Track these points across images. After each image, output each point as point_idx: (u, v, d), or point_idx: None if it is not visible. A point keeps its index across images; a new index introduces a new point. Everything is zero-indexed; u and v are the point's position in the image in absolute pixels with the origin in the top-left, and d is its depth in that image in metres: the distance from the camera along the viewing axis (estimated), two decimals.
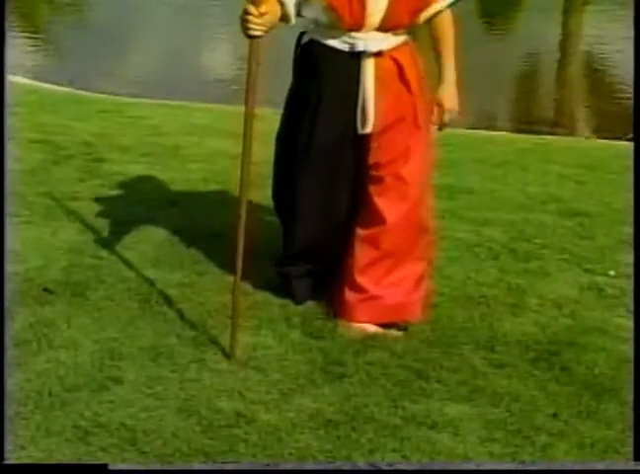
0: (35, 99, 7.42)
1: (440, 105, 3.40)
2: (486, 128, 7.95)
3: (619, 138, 7.46)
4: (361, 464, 2.66)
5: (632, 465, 2.73)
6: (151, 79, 9.87)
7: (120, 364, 3.10)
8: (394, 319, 3.45)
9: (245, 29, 2.97)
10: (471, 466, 2.69)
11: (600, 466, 2.73)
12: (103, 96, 8.16)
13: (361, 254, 3.40)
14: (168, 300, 3.56)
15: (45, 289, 3.61)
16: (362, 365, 3.18)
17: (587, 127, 8.74)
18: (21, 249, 3.97)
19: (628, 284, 3.96)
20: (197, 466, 2.63)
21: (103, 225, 4.29)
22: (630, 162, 6.29)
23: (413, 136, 3.35)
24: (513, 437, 2.80)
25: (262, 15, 2.96)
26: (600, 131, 8.18)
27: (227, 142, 5.99)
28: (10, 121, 5.58)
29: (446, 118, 3.42)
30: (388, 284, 3.42)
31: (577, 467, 2.73)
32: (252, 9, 2.95)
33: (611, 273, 4.09)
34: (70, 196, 4.73)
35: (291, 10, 3.19)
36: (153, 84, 9.51)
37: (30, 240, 4.08)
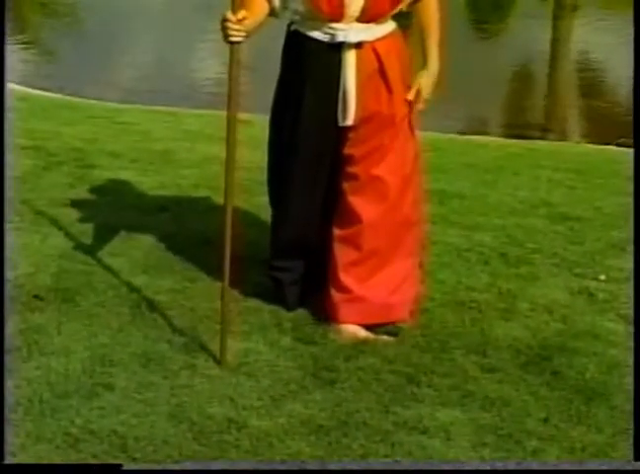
0: (25, 105, 7.40)
1: (418, 90, 3.38)
2: (477, 133, 7.96)
3: (609, 143, 7.48)
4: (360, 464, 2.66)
5: (632, 465, 2.74)
6: (142, 85, 9.85)
7: (110, 371, 3.10)
8: (381, 320, 3.44)
9: (224, 35, 2.99)
10: (466, 466, 2.69)
11: (599, 466, 2.74)
12: (93, 102, 8.15)
13: (343, 254, 3.40)
14: (159, 306, 3.56)
15: (36, 296, 3.60)
16: (354, 371, 3.18)
17: (577, 132, 8.77)
18: (11, 255, 3.95)
19: (619, 289, 3.97)
20: (213, 466, 2.64)
21: (93, 231, 4.28)
22: (620, 166, 6.33)
23: (389, 133, 3.32)
24: (504, 442, 2.80)
25: (240, 21, 2.97)
26: (591, 136, 8.20)
27: (218, 148, 5.95)
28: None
29: (419, 106, 3.41)
30: (374, 284, 3.41)
31: (577, 467, 2.73)
32: (230, 15, 2.97)
33: (602, 277, 4.09)
34: (60, 202, 4.72)
35: (277, 4, 3.21)
36: (144, 90, 9.50)
37: (20, 246, 4.07)
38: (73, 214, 4.52)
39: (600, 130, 8.46)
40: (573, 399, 3.06)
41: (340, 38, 3.21)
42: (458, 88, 9.60)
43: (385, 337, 3.42)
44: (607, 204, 5.20)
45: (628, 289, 3.96)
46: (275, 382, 3.09)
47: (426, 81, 3.40)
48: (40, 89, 8.64)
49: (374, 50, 3.25)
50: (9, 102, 6.86)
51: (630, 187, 5.56)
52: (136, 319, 3.46)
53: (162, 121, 7.19)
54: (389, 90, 3.30)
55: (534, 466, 2.72)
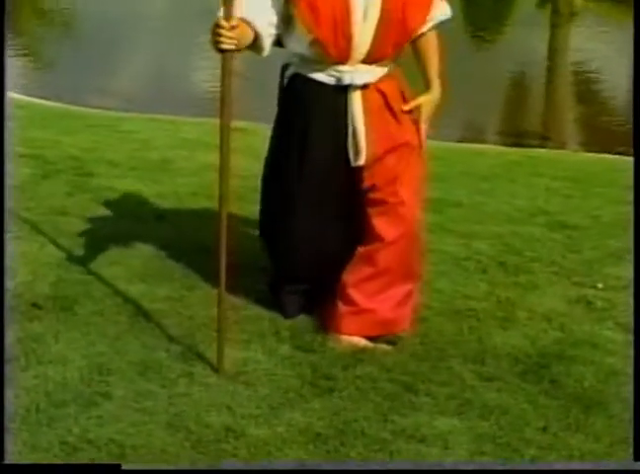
0: (23, 113, 7.40)
1: (420, 113, 3.42)
2: (474, 141, 7.97)
3: (607, 152, 7.49)
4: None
5: (632, 465, 2.73)
6: (140, 93, 9.86)
7: (108, 380, 3.09)
8: (382, 333, 3.45)
9: (216, 42, 2.94)
10: (466, 467, 2.68)
11: (600, 466, 2.74)
12: (92, 110, 8.15)
13: (357, 269, 3.41)
14: (156, 315, 3.55)
15: (34, 305, 3.60)
16: (352, 379, 3.17)
17: (575, 141, 8.78)
18: (9, 264, 3.95)
19: (617, 297, 3.97)
20: (211, 466, 2.64)
21: (91, 240, 4.28)
22: (618, 175, 6.33)
23: (406, 159, 3.36)
24: (502, 451, 2.80)
25: (233, 28, 2.92)
26: (588, 145, 8.21)
27: (217, 156, 5.97)
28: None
29: (422, 128, 3.44)
30: (380, 300, 3.43)
31: (577, 467, 2.73)
32: (223, 22, 2.92)
33: (600, 285, 4.09)
34: (59, 210, 4.72)
35: (266, 42, 3.18)
36: (142, 98, 9.51)
37: (18, 255, 4.07)
38: (71, 223, 4.52)
39: (597, 139, 8.47)
40: (571, 407, 3.05)
41: (347, 80, 3.24)
42: (456, 96, 9.60)
43: (384, 345, 3.42)
44: (605, 213, 5.20)
45: (626, 298, 3.96)
46: (273, 391, 3.08)
47: (428, 105, 3.43)
48: (39, 97, 8.65)
49: (378, 89, 3.29)
50: (8, 110, 6.87)
51: (628, 195, 5.57)
52: (134, 327, 3.45)
53: (161, 130, 7.20)
54: (398, 122, 3.34)
55: (534, 466, 2.71)
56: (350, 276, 3.42)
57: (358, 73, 3.24)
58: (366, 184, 3.34)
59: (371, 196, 3.35)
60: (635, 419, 2.93)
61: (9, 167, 5.21)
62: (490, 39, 13.13)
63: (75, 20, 13.27)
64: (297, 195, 3.38)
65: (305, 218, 3.41)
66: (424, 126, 3.43)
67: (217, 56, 3.01)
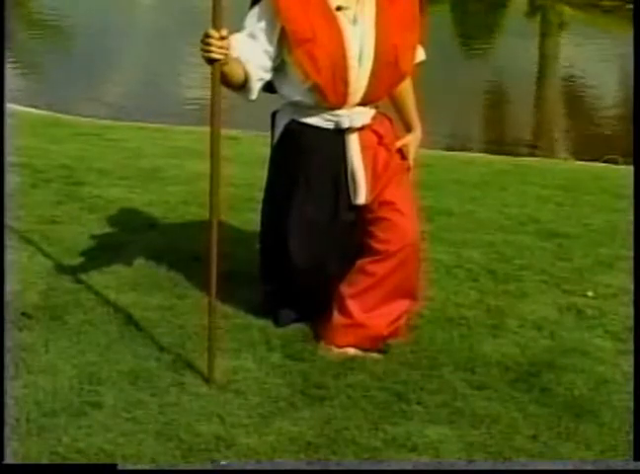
0: (13, 122, 7.39)
1: (407, 154, 3.54)
2: (464, 150, 7.99)
3: (597, 160, 7.52)
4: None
5: (632, 465, 2.74)
6: (130, 102, 9.86)
7: (98, 389, 3.08)
8: (375, 346, 3.46)
9: (206, 52, 2.94)
10: (465, 466, 2.68)
11: (600, 466, 2.74)
12: (82, 119, 8.15)
13: (356, 281, 3.41)
14: (147, 324, 3.55)
15: (24, 314, 3.59)
16: (343, 388, 3.17)
17: (564, 149, 8.81)
18: None
19: (607, 305, 3.98)
20: (207, 466, 2.65)
21: (81, 249, 4.27)
22: (607, 183, 6.37)
23: (401, 175, 3.45)
24: (493, 459, 2.80)
25: (222, 39, 2.93)
26: (578, 153, 8.24)
27: (207, 164, 5.97)
28: None
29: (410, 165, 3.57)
30: (377, 315, 3.43)
31: (577, 467, 2.73)
32: (213, 32, 2.92)
33: (590, 294, 4.10)
34: (48, 219, 4.71)
35: (255, 86, 3.20)
36: (132, 107, 9.51)
37: (7, 264, 4.05)
38: (61, 232, 4.51)
39: (587, 147, 8.51)
40: (562, 416, 3.06)
41: (345, 123, 3.29)
42: (446, 105, 9.64)
43: (374, 354, 3.42)
44: (595, 221, 5.22)
45: (616, 306, 3.97)
46: (263, 399, 3.08)
47: (414, 143, 3.57)
48: (28, 106, 8.64)
49: (373, 129, 3.35)
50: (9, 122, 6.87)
51: (618, 203, 5.60)
52: (124, 337, 3.45)
53: (151, 138, 7.20)
54: (391, 156, 3.42)
55: (534, 466, 2.72)
56: (348, 288, 3.42)
57: (355, 116, 3.30)
58: (368, 211, 3.38)
59: (371, 216, 3.38)
60: (635, 418, 2.93)
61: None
62: (480, 49, 13.17)
63: (64, 29, 13.27)
64: (299, 238, 3.40)
65: (305, 261, 3.43)
66: (412, 163, 3.56)
67: (206, 65, 3.01)
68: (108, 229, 4.61)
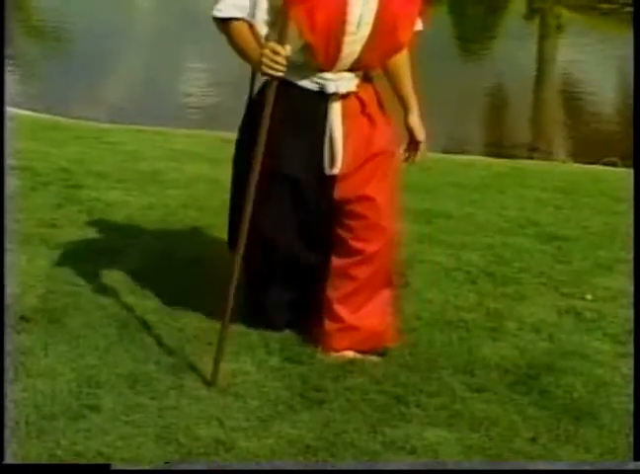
0: (13, 125, 7.39)
1: (414, 138, 3.47)
2: (463, 152, 8.00)
3: (595, 162, 7.52)
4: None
5: (632, 465, 2.73)
6: (129, 105, 9.86)
7: (97, 392, 3.08)
8: (372, 346, 3.45)
9: (269, 68, 2.98)
10: (465, 466, 2.68)
11: (600, 466, 2.73)
12: (80, 122, 8.15)
13: (341, 285, 3.39)
14: (146, 327, 3.54)
15: (23, 317, 3.59)
16: (342, 391, 3.17)
17: (563, 151, 8.81)
18: None
19: (606, 308, 3.98)
20: (199, 466, 2.64)
21: (80, 252, 4.27)
22: (606, 185, 6.37)
23: (382, 168, 3.36)
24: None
25: (286, 56, 2.98)
26: (577, 155, 8.25)
27: (206, 167, 6.00)
28: None
29: (422, 150, 3.49)
30: (365, 314, 3.43)
31: (577, 467, 2.72)
32: (280, 48, 2.96)
33: (589, 296, 4.10)
34: (47, 222, 4.71)
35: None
36: (131, 110, 9.51)
37: (6, 267, 4.05)
38: (60, 235, 4.51)
39: (586, 149, 8.51)
40: (561, 418, 3.05)
41: (331, 88, 3.22)
42: (445, 107, 9.64)
43: (373, 357, 3.42)
44: (594, 224, 5.23)
45: (615, 309, 3.97)
46: (263, 403, 3.08)
47: (419, 123, 3.48)
48: (28, 109, 8.65)
49: (357, 96, 3.28)
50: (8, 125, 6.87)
51: (617, 206, 5.61)
52: (123, 340, 3.44)
53: (149, 141, 7.20)
54: (374, 127, 3.33)
55: (534, 466, 2.71)
56: (334, 293, 3.40)
57: (341, 81, 3.23)
58: (344, 195, 3.31)
59: (350, 208, 3.32)
60: (635, 418, 2.93)
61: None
62: (479, 51, 13.18)
63: (64, 33, 13.27)
64: (270, 199, 3.29)
65: (278, 224, 3.36)
66: (424, 146, 3.48)
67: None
68: (106, 232, 4.61)
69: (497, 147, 8.59)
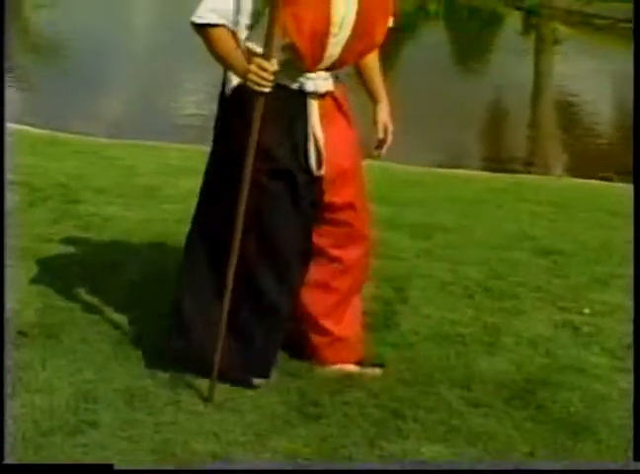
0: (12, 140, 7.40)
1: (385, 130, 3.42)
2: (460, 167, 8.02)
3: (592, 177, 7.54)
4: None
5: (632, 465, 2.72)
6: (126, 120, 9.88)
7: (95, 407, 3.07)
8: (358, 357, 3.44)
9: (256, 84, 2.95)
10: (465, 467, 2.67)
11: (600, 466, 2.72)
12: (78, 137, 8.17)
13: (322, 298, 3.36)
14: (142, 342, 3.54)
15: (20, 332, 3.58)
16: (339, 406, 3.16)
17: (560, 166, 8.83)
18: None
19: (603, 322, 3.98)
20: (206, 466, 2.65)
21: (77, 267, 4.27)
22: (602, 200, 6.38)
23: (360, 170, 3.36)
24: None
25: (273, 71, 2.96)
26: (573, 170, 8.27)
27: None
28: None
29: (389, 138, 3.43)
30: (347, 324, 3.42)
31: (577, 467, 2.71)
32: (267, 64, 2.95)
33: (586, 311, 4.11)
34: (45, 237, 4.71)
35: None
36: (128, 125, 9.52)
37: (2, 282, 4.05)
38: (58, 250, 4.51)
39: (582, 164, 8.53)
40: (558, 433, 3.05)
41: (310, 87, 3.17)
42: (442, 122, 9.67)
43: (370, 370, 3.41)
44: (590, 238, 5.23)
45: (612, 323, 3.97)
46: (259, 417, 3.07)
47: (387, 115, 3.44)
48: (26, 124, 8.66)
49: (332, 95, 3.25)
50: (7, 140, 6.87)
51: (612, 221, 5.62)
52: (120, 355, 3.44)
53: (146, 156, 7.21)
54: (350, 127, 3.31)
55: (535, 466, 2.70)
56: (316, 308, 3.36)
57: (319, 81, 3.19)
58: (330, 200, 3.26)
59: (333, 215, 3.29)
60: (635, 418, 2.92)
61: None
62: (476, 66, 13.22)
63: (62, 49, 13.31)
64: (265, 201, 3.20)
65: (262, 232, 3.23)
66: (389, 136, 3.43)
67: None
68: (104, 247, 4.61)
69: (494, 162, 8.61)
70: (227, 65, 3.12)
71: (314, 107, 3.21)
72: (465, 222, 5.47)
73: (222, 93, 3.28)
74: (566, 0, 15.38)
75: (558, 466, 2.74)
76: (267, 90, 2.99)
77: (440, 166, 7.87)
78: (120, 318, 3.74)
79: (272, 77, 2.97)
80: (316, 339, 3.41)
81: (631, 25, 13.92)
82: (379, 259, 4.59)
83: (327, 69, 3.20)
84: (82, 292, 3.97)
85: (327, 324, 3.39)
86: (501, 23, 16.00)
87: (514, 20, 15.94)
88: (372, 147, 3.47)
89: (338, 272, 3.35)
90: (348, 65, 3.29)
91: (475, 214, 5.70)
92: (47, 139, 7.91)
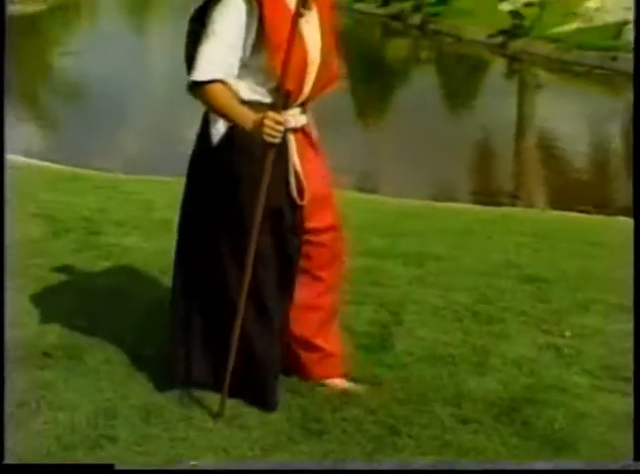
0: (36, 177, 7.44)
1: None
2: (451, 200, 8.03)
3: (571, 210, 7.55)
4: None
5: (632, 465, 2.69)
6: (142, 157, 9.91)
7: (113, 423, 3.07)
8: (346, 372, 3.42)
9: (271, 136, 2.91)
10: (466, 466, 2.66)
11: (600, 466, 2.70)
12: (98, 173, 8.18)
13: (309, 319, 3.31)
14: (157, 362, 3.53)
15: (45, 353, 3.58)
16: (339, 422, 3.15)
17: (542, 200, 8.85)
18: (20, 315, 3.94)
19: (583, 345, 3.96)
20: (200, 466, 2.61)
21: (97, 293, 4.27)
22: (582, 231, 6.38)
23: (333, 192, 3.33)
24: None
25: (283, 123, 2.94)
26: (554, 203, 8.29)
27: None
28: (13, 198, 5.60)
29: None
30: (335, 340, 3.39)
31: (577, 467, 2.69)
32: (280, 118, 2.92)
33: (567, 333, 4.09)
34: (68, 265, 4.71)
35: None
36: (144, 162, 9.55)
37: (29, 307, 4.05)
38: (79, 277, 4.52)
39: (562, 198, 8.55)
40: (542, 448, 3.04)
41: (291, 123, 3.13)
42: (434, 158, 9.70)
43: (361, 387, 3.39)
44: (571, 266, 5.22)
45: (592, 345, 3.96)
46: (265, 433, 3.07)
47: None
48: (49, 161, 8.69)
49: (303, 130, 3.22)
50: (21, 174, 6.90)
51: (591, 251, 5.62)
52: (137, 374, 3.43)
53: (161, 191, 7.22)
54: (322, 157, 3.29)
55: (536, 466, 2.68)
56: (305, 330, 3.31)
57: (296, 116, 3.17)
58: (312, 225, 3.22)
59: (316, 239, 3.24)
60: (635, 419, 2.89)
61: (19, 225, 5.24)
62: (464, 107, 13.27)
63: (84, 92, 13.36)
64: (239, 240, 3.12)
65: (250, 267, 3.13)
66: None
67: None
68: (122, 275, 4.61)
69: (483, 196, 8.62)
70: (231, 118, 3.02)
71: (292, 141, 3.17)
72: (456, 251, 5.46)
73: (205, 140, 3.18)
74: (547, 48, 15.45)
75: (559, 466, 2.71)
76: (279, 141, 2.95)
77: (433, 199, 7.88)
78: (137, 340, 3.73)
79: (283, 128, 2.94)
80: (306, 356, 3.35)
81: (606, 71, 14.03)
82: (376, 285, 4.61)
83: (301, 104, 3.18)
84: (102, 316, 3.97)
85: (317, 341, 3.34)
86: (487, 68, 16.08)
87: (498, 66, 16.01)
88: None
89: (322, 290, 3.31)
90: (314, 99, 3.24)
91: (465, 244, 5.70)
92: (69, 175, 7.93)
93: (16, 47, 17.41)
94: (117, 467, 2.60)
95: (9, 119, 10.66)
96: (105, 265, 4.80)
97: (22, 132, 10.74)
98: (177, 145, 10.62)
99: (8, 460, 2.66)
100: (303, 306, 3.29)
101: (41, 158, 8.84)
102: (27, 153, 9.07)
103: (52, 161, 8.69)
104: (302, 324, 3.31)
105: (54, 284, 4.38)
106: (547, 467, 2.69)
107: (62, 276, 4.51)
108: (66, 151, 9.52)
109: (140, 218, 5.97)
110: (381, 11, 19.45)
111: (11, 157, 8.05)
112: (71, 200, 6.44)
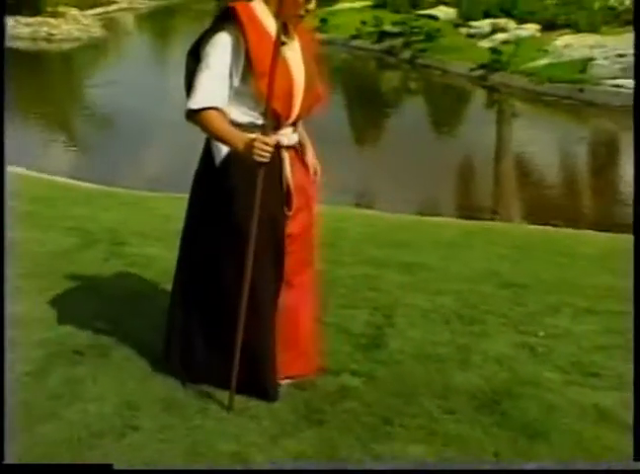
0: (71, 194, 7.44)
1: (314, 166, 3.31)
2: (437, 215, 8.01)
3: (544, 224, 7.54)
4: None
5: (632, 465, 2.65)
6: (164, 176, 9.91)
7: (137, 414, 3.06)
8: (319, 368, 3.37)
9: (261, 157, 2.88)
10: (466, 467, 2.64)
11: (600, 466, 2.68)
12: (124, 190, 8.19)
13: (291, 319, 3.24)
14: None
15: (76, 352, 3.57)
16: (338, 413, 3.15)
17: (518, 215, 8.85)
18: (53, 317, 3.93)
19: (555, 343, 3.95)
20: (199, 467, 2.58)
21: (122, 297, 4.26)
22: (554, 242, 6.37)
23: (314, 203, 3.28)
24: None
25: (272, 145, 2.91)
26: (529, 218, 8.28)
27: None
28: (51, 213, 5.61)
29: (318, 177, 3.33)
30: (311, 340, 3.33)
31: (577, 467, 2.66)
32: (269, 140, 2.90)
33: (541, 333, 4.08)
34: (96, 272, 4.71)
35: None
36: (165, 180, 9.55)
37: (62, 309, 4.04)
38: (107, 282, 4.51)
39: (536, 213, 8.53)
40: (518, 437, 3.03)
41: (285, 141, 3.12)
42: (421, 178, 9.71)
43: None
44: (544, 274, 5.21)
45: (563, 344, 3.94)
46: (273, 423, 3.06)
47: (313, 157, 3.31)
48: (82, 180, 8.70)
49: (294, 147, 3.20)
50: (58, 192, 6.90)
51: (562, 259, 5.61)
52: (158, 370, 3.42)
53: (180, 206, 7.17)
54: (309, 173, 3.25)
55: (535, 466, 2.67)
56: (287, 329, 3.21)
57: (289, 135, 3.14)
58: (289, 231, 3.16)
59: (291, 246, 3.17)
60: (635, 419, 2.86)
61: (54, 237, 5.23)
62: (449, 133, 13.29)
63: (113, 119, 13.38)
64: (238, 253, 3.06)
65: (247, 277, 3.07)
66: (319, 176, 3.33)
67: None
68: (145, 281, 4.60)
69: (466, 210, 8.60)
70: (225, 141, 3.00)
71: (286, 158, 3.14)
72: (443, 261, 5.45)
73: (209, 161, 3.17)
74: (522, 81, 15.49)
75: (558, 466, 2.69)
76: (267, 160, 2.91)
77: (423, 214, 7.86)
78: (158, 339, 3.71)
79: (272, 149, 2.91)
80: (284, 355, 3.22)
81: (574, 102, 14.05)
82: (372, 291, 4.60)
83: (292, 124, 3.16)
84: (126, 318, 3.96)
85: (299, 339, 3.27)
86: (469, 98, 16.10)
87: (479, 96, 16.04)
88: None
89: (299, 294, 3.24)
90: (302, 118, 3.21)
91: (451, 254, 5.69)
92: (100, 193, 7.93)
93: (53, 80, 17.50)
94: (115, 467, 2.58)
95: (54, 146, 10.71)
96: (130, 272, 4.79)
97: (62, 157, 10.80)
98: (192, 166, 10.67)
99: (18, 457, 2.63)
100: (283, 309, 3.19)
101: (75, 178, 8.85)
102: (65, 174, 9.13)
103: (86, 180, 8.70)
104: (283, 325, 3.20)
105: (85, 290, 4.38)
106: (547, 467, 2.66)
107: (92, 282, 4.50)
108: (97, 172, 9.52)
109: (160, 230, 5.96)
110: (376, 47, 19.57)
111: (51, 177, 8.11)
112: (100, 215, 6.44)
